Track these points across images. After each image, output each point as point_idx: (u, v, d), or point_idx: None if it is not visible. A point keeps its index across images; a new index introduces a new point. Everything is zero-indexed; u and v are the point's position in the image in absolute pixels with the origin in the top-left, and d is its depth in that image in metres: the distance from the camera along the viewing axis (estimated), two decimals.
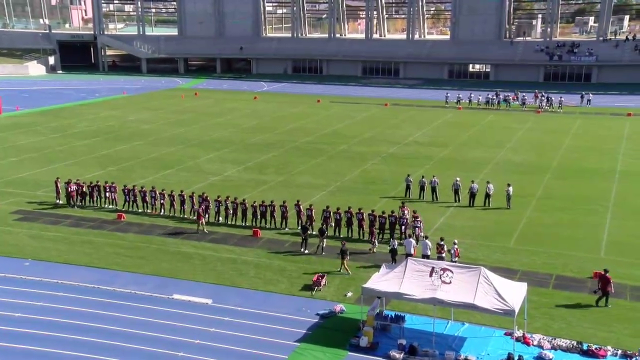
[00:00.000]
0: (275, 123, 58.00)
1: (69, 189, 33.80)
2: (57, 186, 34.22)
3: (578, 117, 59.69)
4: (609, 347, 19.25)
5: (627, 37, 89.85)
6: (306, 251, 27.24)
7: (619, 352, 19.05)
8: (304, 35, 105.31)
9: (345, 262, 25.05)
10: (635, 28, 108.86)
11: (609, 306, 22.06)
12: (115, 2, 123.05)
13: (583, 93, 67.33)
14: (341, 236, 28.68)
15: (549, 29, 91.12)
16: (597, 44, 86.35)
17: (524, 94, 68.04)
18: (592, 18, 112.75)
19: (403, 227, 28.49)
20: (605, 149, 46.51)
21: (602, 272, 22.28)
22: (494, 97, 66.65)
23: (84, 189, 33.97)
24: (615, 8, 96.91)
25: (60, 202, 34.13)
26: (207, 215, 31.05)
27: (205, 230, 29.65)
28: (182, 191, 32.89)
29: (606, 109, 63.42)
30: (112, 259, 26.57)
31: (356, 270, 25.38)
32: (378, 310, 20.99)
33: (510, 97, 67.23)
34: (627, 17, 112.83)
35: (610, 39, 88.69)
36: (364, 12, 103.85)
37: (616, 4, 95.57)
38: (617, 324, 20.92)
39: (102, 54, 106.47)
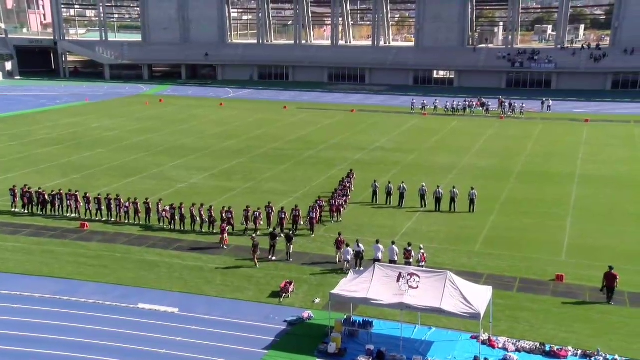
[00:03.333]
0: (242, 129, 57.76)
1: (17, 193, 33.33)
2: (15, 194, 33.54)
3: (539, 122, 61.14)
4: (570, 348, 19.75)
5: (582, 45, 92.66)
6: (274, 258, 27.15)
7: (579, 352, 19.56)
8: (269, 41, 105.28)
9: (255, 256, 25.98)
10: (590, 37, 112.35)
11: (611, 303, 22.80)
12: (76, 7, 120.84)
13: (544, 99, 69.02)
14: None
15: (510, 37, 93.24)
16: (556, 52, 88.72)
17: (487, 100, 69.24)
18: (550, 27, 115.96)
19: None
20: (565, 154, 47.74)
21: (608, 270, 23.02)
22: (461, 104, 67.25)
23: (46, 197, 33.22)
24: (572, 18, 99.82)
25: (16, 209, 33.39)
26: (172, 223, 30.84)
27: (224, 246, 28.33)
28: (147, 199, 32.47)
29: (565, 114, 65.13)
30: (75, 269, 26.01)
31: (324, 276, 25.42)
32: (346, 316, 21.07)
33: (474, 103, 68.32)
34: (582, 26, 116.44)
35: (568, 47, 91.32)
36: (330, 19, 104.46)
37: (572, 13, 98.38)
38: (577, 325, 21.47)
39: (63, 59, 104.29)
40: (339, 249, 26.67)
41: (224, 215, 30.11)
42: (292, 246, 27.22)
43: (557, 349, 19.57)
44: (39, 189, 34.12)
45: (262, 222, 30.33)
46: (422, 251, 25.34)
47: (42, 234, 30.19)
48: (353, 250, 25.94)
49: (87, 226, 31.18)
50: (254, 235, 27.70)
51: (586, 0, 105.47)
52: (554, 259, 27.21)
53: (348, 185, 36.32)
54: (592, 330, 21.13)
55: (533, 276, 25.41)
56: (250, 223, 30.13)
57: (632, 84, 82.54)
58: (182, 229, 30.73)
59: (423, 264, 24.80)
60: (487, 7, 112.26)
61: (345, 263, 26.03)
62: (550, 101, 68.11)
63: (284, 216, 30.08)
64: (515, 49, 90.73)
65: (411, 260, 25.18)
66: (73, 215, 32.78)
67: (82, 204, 32.72)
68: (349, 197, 34.88)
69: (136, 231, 30.67)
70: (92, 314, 22.00)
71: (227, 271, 25.88)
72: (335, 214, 31.88)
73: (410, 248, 25.52)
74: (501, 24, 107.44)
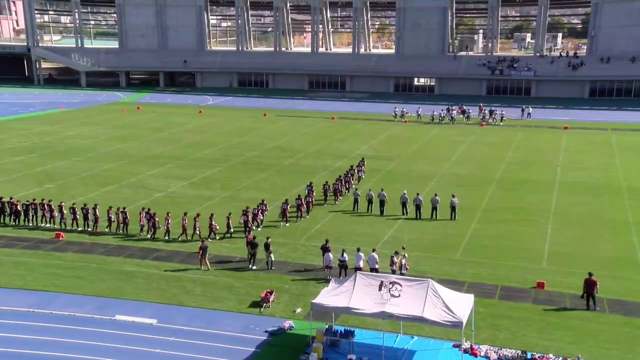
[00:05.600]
0: (221, 137, 57.59)
1: None
2: None
3: (519, 130, 61.93)
4: (551, 355, 19.97)
5: (560, 53, 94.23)
6: (254, 267, 27.07)
7: (560, 359, 19.77)
8: (249, 48, 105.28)
9: (205, 259, 26.65)
10: (568, 45, 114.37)
11: (597, 309, 23.04)
12: (50, 12, 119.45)
13: (523, 107, 69.91)
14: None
15: (489, 44, 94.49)
16: (535, 60, 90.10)
17: (468, 107, 69.73)
18: (529, 34, 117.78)
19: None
20: (545, 161, 48.41)
21: (588, 276, 23.32)
22: (445, 113, 67.26)
23: (18, 208, 32.71)
24: (550, 26, 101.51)
25: None
26: (154, 232, 30.65)
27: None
28: (124, 208, 32.17)
29: (545, 122, 66.09)
30: (49, 280, 25.64)
31: (305, 285, 25.40)
32: (327, 326, 21.05)
33: (455, 111, 68.63)
34: (560, 34, 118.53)
35: (546, 55, 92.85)
36: (310, 26, 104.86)
37: (550, 22, 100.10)
38: (557, 332, 21.72)
39: (37, 66, 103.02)
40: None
41: (230, 222, 30.70)
42: (272, 254, 27.14)
43: (538, 357, 19.78)
44: (11, 198, 33.59)
45: (262, 218, 32.34)
46: (404, 260, 25.38)
47: (15, 245, 29.70)
48: (338, 260, 25.95)
49: (62, 236, 30.77)
50: (203, 238, 28.63)
51: (563, 9, 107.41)
52: (535, 267, 27.54)
53: (359, 174, 41.49)
54: (572, 337, 21.39)
55: (514, 284, 25.68)
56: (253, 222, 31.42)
57: (609, 92, 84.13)
58: (168, 238, 30.50)
59: (405, 272, 24.88)
60: (467, 15, 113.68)
61: (327, 270, 26.02)
62: (530, 108, 69.05)
63: (286, 207, 32.62)
64: (495, 57, 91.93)
65: (394, 267, 25.27)
66: (48, 225, 32.34)
67: (56, 214, 32.30)
68: (354, 185, 39.41)
69: (113, 241, 30.34)
70: (67, 327, 21.69)
71: (207, 281, 25.72)
72: (334, 196, 36.62)
73: (393, 255, 25.62)
74: (481, 31, 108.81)
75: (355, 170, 41.33)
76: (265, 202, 33.34)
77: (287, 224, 32.55)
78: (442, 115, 66.75)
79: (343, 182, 38.02)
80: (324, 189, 36.80)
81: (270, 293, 23.80)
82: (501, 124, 64.78)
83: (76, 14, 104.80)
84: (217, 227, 30.51)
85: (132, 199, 37.07)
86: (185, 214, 30.97)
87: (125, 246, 29.70)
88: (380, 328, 20.49)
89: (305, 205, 33.97)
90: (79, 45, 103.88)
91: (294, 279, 25.98)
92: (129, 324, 22.01)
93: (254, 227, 31.05)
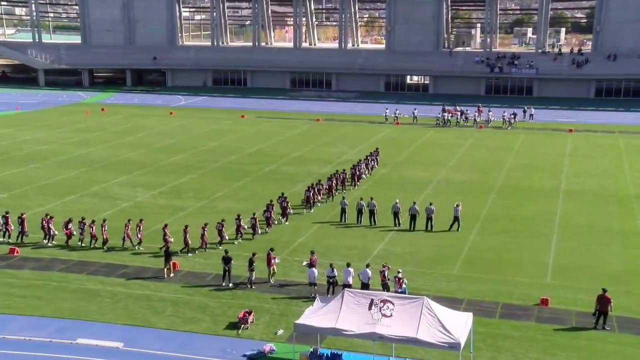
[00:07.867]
0: (194, 142, 57.49)
1: None
2: None
3: (521, 132, 62.52)
4: None
5: (560, 50, 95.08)
6: (231, 284, 26.98)
7: None
8: (225, 43, 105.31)
9: (170, 264, 27.86)
10: (572, 41, 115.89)
11: (607, 328, 23.21)
12: (3, 4, 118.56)
13: (525, 107, 70.51)
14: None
15: (488, 40, 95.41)
16: (537, 56, 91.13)
17: (466, 108, 69.93)
18: (530, 29, 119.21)
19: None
20: (548, 167, 48.91)
21: (601, 292, 23.50)
22: (446, 115, 67.29)
23: None
24: (552, 21, 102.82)
25: None
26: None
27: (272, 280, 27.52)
28: (93, 221, 31.97)
29: (548, 124, 66.81)
30: (2, 301, 25.39)
31: (288, 304, 25.36)
32: (312, 349, 21.02)
33: (455, 112, 68.76)
34: (563, 29, 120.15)
35: (549, 51, 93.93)
36: (292, 19, 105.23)
37: (552, 16, 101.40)
38: (563, 352, 21.90)
39: None
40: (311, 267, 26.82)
41: (223, 232, 31.30)
42: (254, 273, 26.91)
43: None
44: None
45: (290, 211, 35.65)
46: (400, 274, 25.43)
47: None
48: (327, 276, 25.91)
49: (17, 252, 30.47)
50: (170, 239, 29.94)
51: (566, 2, 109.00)
52: (538, 282, 27.76)
53: (372, 164, 45.96)
54: (579, 358, 21.57)
55: (516, 301, 25.86)
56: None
57: (616, 92, 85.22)
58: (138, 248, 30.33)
59: (400, 290, 24.90)
60: (463, 8, 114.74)
61: (313, 286, 25.92)
62: (532, 109, 69.67)
63: (309, 194, 36.95)
64: (494, 53, 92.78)
65: (387, 282, 25.30)
66: (1, 239, 32.00)
67: (12, 227, 31.99)
68: (365, 175, 44.44)
69: (75, 256, 30.11)
70: (23, 353, 21.45)
71: (179, 300, 25.60)
72: (341, 186, 40.67)
73: (385, 270, 25.65)
74: (478, 25, 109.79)
75: (369, 160, 45.75)
76: (285, 195, 35.98)
77: (312, 210, 36.75)
78: (447, 117, 66.97)
79: (357, 171, 42.68)
80: (336, 177, 40.35)
81: (249, 313, 23.74)
82: (512, 126, 64.61)
83: (33, 5, 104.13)
84: (245, 228, 32.12)
85: (96, 209, 36.81)
86: (205, 224, 31.03)
87: (88, 262, 29.48)
88: (370, 351, 20.52)
89: (319, 193, 37.90)
90: (37, 40, 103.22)
91: (275, 298, 25.94)
92: (92, 348, 21.82)
93: (283, 222, 34.80)
